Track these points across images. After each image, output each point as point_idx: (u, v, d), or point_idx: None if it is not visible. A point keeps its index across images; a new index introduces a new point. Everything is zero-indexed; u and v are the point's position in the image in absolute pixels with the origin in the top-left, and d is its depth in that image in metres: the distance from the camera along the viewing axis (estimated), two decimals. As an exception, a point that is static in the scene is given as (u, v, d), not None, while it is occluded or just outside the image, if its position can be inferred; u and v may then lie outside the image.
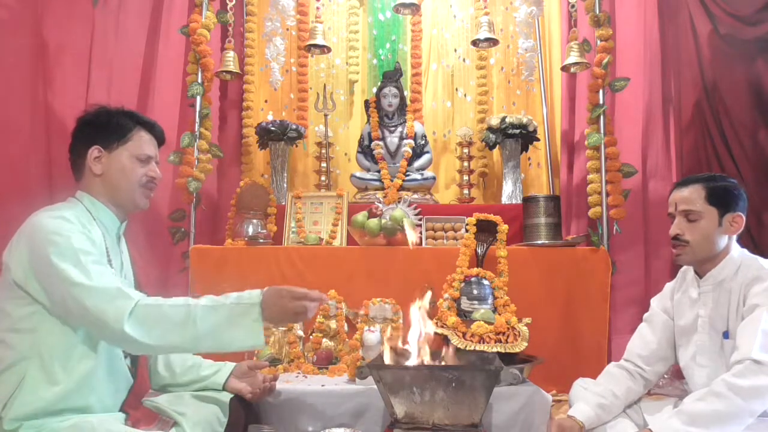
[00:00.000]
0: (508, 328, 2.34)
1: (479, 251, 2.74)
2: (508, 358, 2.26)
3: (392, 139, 3.37)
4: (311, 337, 2.59)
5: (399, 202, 3.05)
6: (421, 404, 1.69)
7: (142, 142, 1.69)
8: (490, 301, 2.53)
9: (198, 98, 3.05)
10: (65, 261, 1.45)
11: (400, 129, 3.40)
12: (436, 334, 2.35)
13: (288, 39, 3.61)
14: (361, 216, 2.83)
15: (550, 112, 3.63)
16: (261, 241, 2.81)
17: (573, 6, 3.26)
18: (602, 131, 2.97)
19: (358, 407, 2.08)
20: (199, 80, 3.07)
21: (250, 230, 2.97)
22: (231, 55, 3.28)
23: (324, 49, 3.39)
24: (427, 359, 1.88)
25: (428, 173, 3.34)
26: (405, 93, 3.50)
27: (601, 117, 2.98)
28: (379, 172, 3.30)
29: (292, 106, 3.73)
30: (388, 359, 1.84)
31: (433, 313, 2.56)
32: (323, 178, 3.47)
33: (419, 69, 3.78)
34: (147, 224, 2.86)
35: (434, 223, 3.02)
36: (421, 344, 1.88)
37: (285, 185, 3.36)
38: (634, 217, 3.10)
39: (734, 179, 1.87)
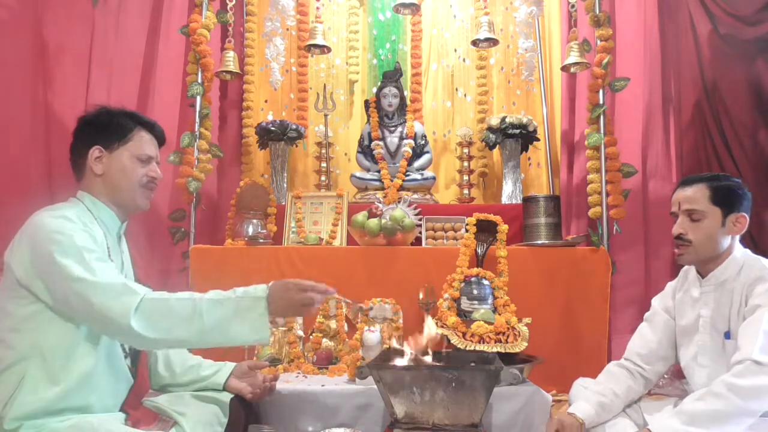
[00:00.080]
0: (508, 328, 2.34)
1: (479, 251, 2.75)
2: (508, 358, 2.26)
3: (392, 139, 3.37)
4: (311, 337, 2.59)
5: (399, 202, 3.05)
6: (421, 404, 1.69)
7: (142, 142, 1.69)
8: (490, 301, 2.53)
9: (198, 98, 3.05)
10: (68, 258, 1.46)
11: (400, 129, 3.40)
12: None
13: (288, 39, 3.62)
14: (361, 216, 2.83)
15: (550, 112, 3.63)
16: (261, 241, 2.81)
17: (573, 6, 3.26)
18: (602, 131, 2.98)
19: (358, 407, 2.08)
20: (199, 80, 3.07)
21: (250, 230, 2.97)
22: (231, 55, 3.28)
23: (324, 49, 3.39)
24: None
25: (428, 173, 3.34)
26: (405, 93, 3.50)
27: (601, 117, 2.98)
28: (379, 172, 3.30)
29: (292, 106, 3.73)
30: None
31: (433, 313, 2.57)
32: (323, 178, 3.47)
33: (419, 69, 3.78)
34: (147, 224, 2.86)
35: (434, 223, 3.02)
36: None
37: (285, 185, 3.36)
38: (634, 217, 3.10)
39: (738, 179, 1.86)
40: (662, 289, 2.02)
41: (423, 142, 3.41)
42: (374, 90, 3.54)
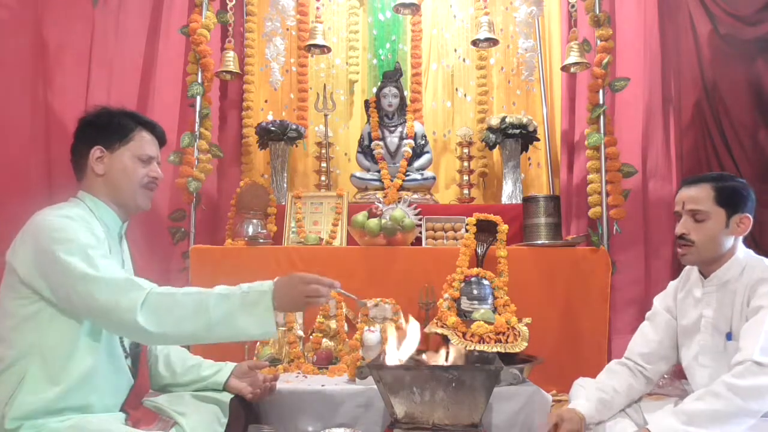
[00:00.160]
0: (508, 328, 2.34)
1: (479, 251, 2.75)
2: (508, 358, 2.26)
3: (392, 139, 3.37)
4: (311, 337, 2.59)
5: (399, 202, 3.05)
6: (421, 404, 1.69)
7: (143, 142, 1.70)
8: (490, 301, 2.53)
9: (198, 98, 3.05)
10: (73, 256, 1.46)
11: (400, 129, 3.40)
12: (436, 334, 2.36)
13: (288, 39, 3.61)
14: (361, 216, 2.83)
15: (550, 112, 3.63)
16: (261, 241, 2.81)
17: (573, 6, 3.26)
18: (602, 131, 2.97)
19: (358, 407, 2.08)
20: (199, 80, 3.07)
21: (250, 230, 2.97)
22: (231, 55, 3.28)
23: (324, 49, 3.39)
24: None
25: (428, 173, 3.34)
26: (405, 93, 3.50)
27: (601, 117, 2.98)
28: (379, 172, 3.30)
29: (292, 106, 3.73)
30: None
31: (432, 313, 2.57)
32: (323, 178, 3.47)
33: (419, 69, 3.78)
34: (147, 224, 2.86)
35: (434, 223, 3.02)
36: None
37: (285, 185, 3.36)
38: (634, 217, 3.10)
39: (743, 179, 1.84)
40: (662, 289, 2.02)
41: (423, 142, 3.41)
42: (374, 90, 3.54)
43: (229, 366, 1.87)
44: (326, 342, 2.59)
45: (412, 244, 2.89)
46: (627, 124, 3.21)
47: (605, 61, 2.96)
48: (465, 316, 2.45)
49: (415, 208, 3.04)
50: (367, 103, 3.52)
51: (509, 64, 3.76)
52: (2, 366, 1.48)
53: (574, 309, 2.74)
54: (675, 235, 1.82)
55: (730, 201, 1.76)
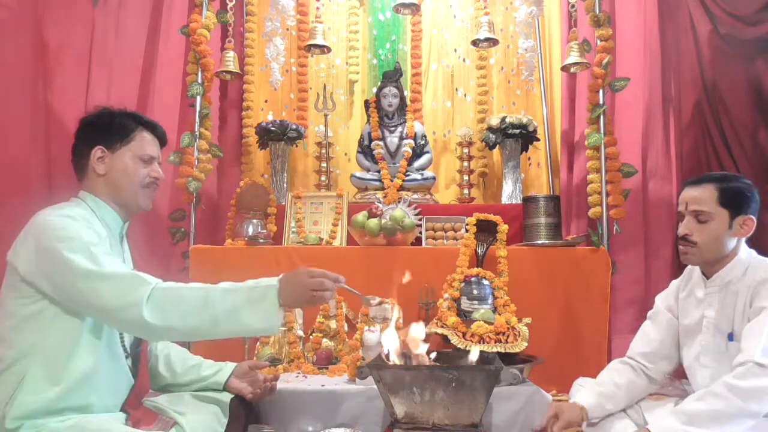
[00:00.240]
0: (508, 328, 2.34)
1: (479, 251, 2.75)
2: (508, 358, 2.26)
3: (392, 139, 3.37)
4: (311, 337, 2.59)
5: (399, 202, 3.05)
6: (421, 404, 1.69)
7: (144, 142, 1.70)
8: (490, 301, 2.53)
9: (198, 98, 3.05)
10: (76, 253, 1.46)
11: (400, 129, 3.40)
12: (436, 334, 2.36)
13: (288, 39, 3.61)
14: (361, 216, 2.83)
15: (550, 112, 3.63)
16: (261, 241, 2.81)
17: (573, 6, 3.26)
18: (602, 131, 2.97)
19: (358, 407, 2.08)
20: (199, 80, 3.07)
21: (250, 230, 2.97)
22: (231, 55, 3.28)
23: (324, 49, 3.39)
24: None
25: (428, 173, 3.34)
26: (405, 93, 3.50)
27: (601, 117, 2.98)
28: (379, 172, 3.30)
29: (292, 106, 3.73)
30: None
31: (432, 313, 2.57)
32: (323, 178, 3.47)
33: (419, 69, 3.78)
34: (147, 224, 2.86)
35: (434, 223, 3.02)
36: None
37: (285, 185, 3.36)
38: (634, 217, 3.10)
39: (748, 180, 1.82)
40: (662, 289, 2.01)
41: (423, 142, 3.41)
42: (374, 90, 3.54)
43: (229, 366, 1.87)
44: (326, 342, 2.59)
45: (412, 244, 2.89)
46: (627, 124, 3.21)
47: (605, 61, 2.96)
48: (465, 316, 2.45)
49: (415, 208, 3.04)
50: (367, 103, 3.52)
51: (509, 64, 3.76)
52: (2, 366, 1.48)
53: (574, 309, 2.74)
54: (677, 235, 1.81)
55: (733, 202, 1.74)
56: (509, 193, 3.34)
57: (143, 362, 1.73)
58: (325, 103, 3.43)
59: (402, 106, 3.43)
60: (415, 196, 3.22)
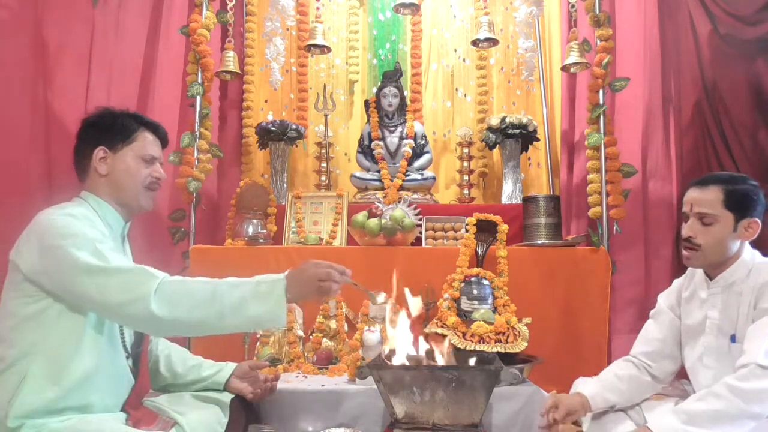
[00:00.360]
0: (508, 328, 2.34)
1: (479, 251, 2.75)
2: (508, 358, 2.26)
3: (392, 139, 3.37)
4: (311, 337, 2.59)
5: (399, 202, 3.05)
6: (421, 404, 1.69)
7: (146, 142, 1.70)
8: (490, 301, 2.53)
9: (198, 98, 3.05)
10: (82, 250, 1.46)
11: (400, 129, 3.40)
12: (436, 334, 2.36)
13: (288, 39, 3.62)
14: (361, 216, 2.83)
15: (550, 112, 3.64)
16: (261, 241, 2.81)
17: (573, 6, 3.26)
18: (602, 131, 2.98)
19: (358, 407, 2.08)
20: (199, 80, 3.07)
21: (250, 230, 2.97)
22: (231, 55, 3.28)
23: (324, 49, 3.39)
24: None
25: (428, 173, 3.34)
26: (405, 93, 3.50)
27: (601, 117, 2.98)
28: (379, 172, 3.30)
29: (292, 106, 3.73)
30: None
31: (432, 313, 2.57)
32: (323, 178, 3.47)
33: (419, 69, 3.78)
34: (147, 224, 2.86)
35: (434, 223, 3.02)
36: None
37: (285, 185, 3.36)
38: (634, 217, 3.10)
39: (755, 182, 1.79)
40: (662, 289, 2.01)
41: (423, 142, 3.41)
42: (374, 90, 3.54)
43: (229, 366, 1.87)
44: (326, 342, 2.59)
45: (412, 244, 2.89)
46: (627, 124, 3.21)
47: (605, 61, 2.96)
48: (465, 316, 2.45)
49: (415, 208, 3.04)
50: (367, 103, 3.52)
51: (509, 64, 3.76)
52: (3, 365, 1.48)
53: (574, 309, 2.74)
54: (682, 237, 1.79)
55: (739, 205, 1.72)
56: (509, 193, 3.34)
57: (144, 362, 1.73)
58: (325, 103, 3.43)
59: (402, 106, 3.44)
60: (415, 196, 3.22)
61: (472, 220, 2.80)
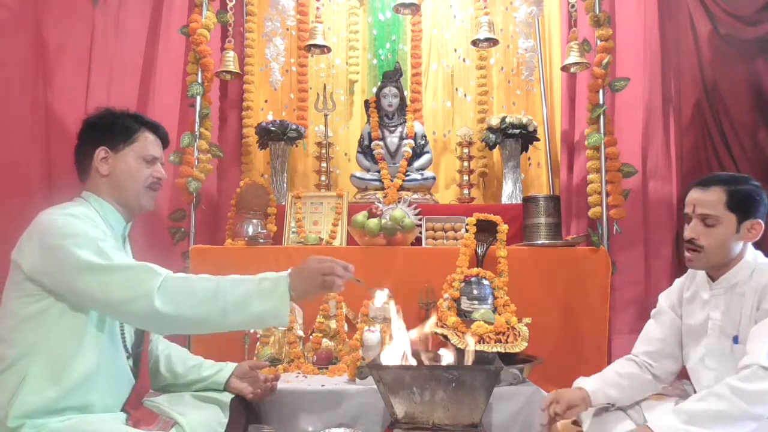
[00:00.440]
0: (508, 328, 2.34)
1: (479, 251, 2.75)
2: (508, 358, 2.26)
3: (392, 139, 3.37)
4: (311, 337, 2.59)
5: (399, 202, 3.05)
6: (421, 404, 1.69)
7: (147, 143, 1.71)
8: (490, 301, 2.53)
9: (198, 98, 3.05)
10: (84, 248, 1.46)
11: (400, 129, 3.40)
12: (435, 334, 2.36)
13: (288, 39, 3.62)
14: (361, 216, 2.83)
15: (550, 112, 3.63)
16: (261, 241, 2.81)
17: (573, 6, 3.26)
18: (602, 131, 2.98)
19: (358, 407, 2.08)
20: (199, 80, 3.07)
21: (250, 230, 2.97)
22: (231, 55, 3.28)
23: (324, 49, 3.39)
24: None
25: (428, 173, 3.34)
26: (405, 93, 3.50)
27: (601, 117, 2.98)
28: (379, 172, 3.30)
29: (292, 106, 3.73)
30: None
31: (433, 313, 2.57)
32: (323, 178, 3.47)
33: (419, 69, 3.78)
34: (147, 224, 2.85)
35: (434, 223, 3.02)
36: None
37: (285, 185, 3.36)
38: (634, 217, 3.10)
39: (757, 182, 1.78)
40: (662, 289, 2.00)
41: (423, 142, 3.41)
42: (374, 90, 3.54)
43: (230, 366, 1.87)
44: (326, 342, 2.59)
45: (412, 244, 2.89)
46: (627, 124, 3.21)
47: (605, 61, 2.96)
48: (465, 316, 2.45)
49: (415, 208, 3.04)
50: (367, 103, 3.52)
51: (509, 64, 3.76)
52: (4, 365, 1.48)
53: (574, 309, 2.74)
54: (684, 238, 1.77)
55: (742, 206, 1.70)
56: (509, 193, 3.34)
57: (144, 362, 1.73)
58: (325, 103, 3.43)
59: (402, 106, 3.43)
60: (415, 196, 3.22)
61: (472, 220, 2.80)
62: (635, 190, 3.09)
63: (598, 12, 3.01)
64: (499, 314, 2.44)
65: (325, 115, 3.45)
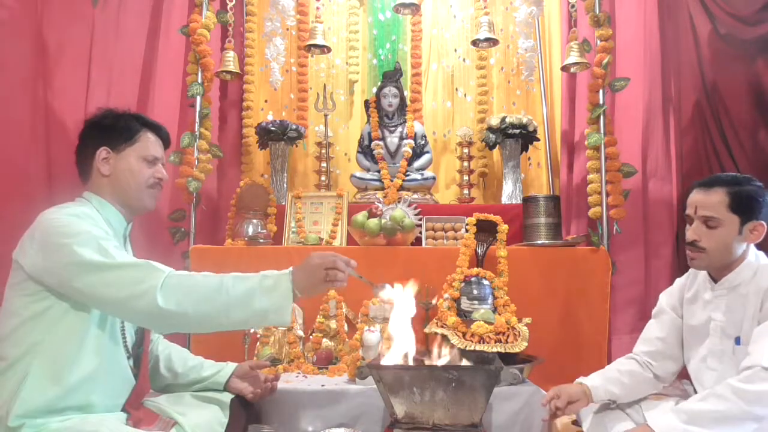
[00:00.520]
0: (508, 328, 2.34)
1: (479, 251, 2.75)
2: (508, 358, 2.26)
3: (392, 139, 3.37)
4: (311, 337, 2.59)
5: (399, 202, 3.05)
6: (421, 404, 1.69)
7: (148, 143, 1.71)
8: (490, 301, 2.53)
9: (198, 98, 3.05)
10: (86, 247, 1.47)
11: (400, 129, 3.40)
12: (435, 334, 2.36)
13: (288, 39, 3.62)
14: (361, 216, 2.83)
15: (550, 112, 3.63)
16: (261, 241, 2.81)
17: (573, 6, 3.26)
18: (602, 131, 2.98)
19: (358, 407, 2.08)
20: (199, 80, 3.07)
21: (250, 230, 2.97)
22: (231, 55, 3.28)
23: (324, 49, 3.39)
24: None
25: (428, 173, 3.34)
26: (405, 93, 3.50)
27: (601, 117, 2.98)
28: (379, 172, 3.30)
29: (292, 106, 3.73)
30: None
31: (432, 313, 2.57)
32: (323, 178, 3.47)
33: (419, 69, 3.78)
34: (147, 224, 2.86)
35: (434, 223, 3.02)
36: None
37: (285, 185, 3.36)
38: (634, 217, 3.10)
39: (760, 183, 1.76)
40: (662, 289, 2.00)
41: (423, 142, 3.41)
42: (374, 90, 3.54)
43: (230, 366, 1.87)
44: (326, 342, 2.59)
45: (412, 244, 2.89)
46: (627, 124, 3.21)
47: (605, 61, 2.96)
48: (465, 316, 2.45)
49: (415, 208, 3.04)
50: (367, 103, 3.52)
51: (509, 64, 3.76)
52: (5, 365, 1.48)
53: (574, 309, 2.74)
54: (686, 240, 1.76)
55: (744, 208, 1.69)
56: (509, 193, 3.34)
57: (144, 363, 1.73)
58: (325, 103, 3.43)
59: (402, 106, 3.43)
60: (415, 196, 3.22)
61: (472, 220, 2.80)
62: (635, 190, 3.09)
63: (598, 12, 3.01)
64: (499, 314, 2.44)
65: (325, 115, 3.45)
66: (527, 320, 2.40)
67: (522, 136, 3.35)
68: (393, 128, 3.40)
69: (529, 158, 3.64)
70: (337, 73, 3.78)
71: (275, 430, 1.74)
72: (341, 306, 2.64)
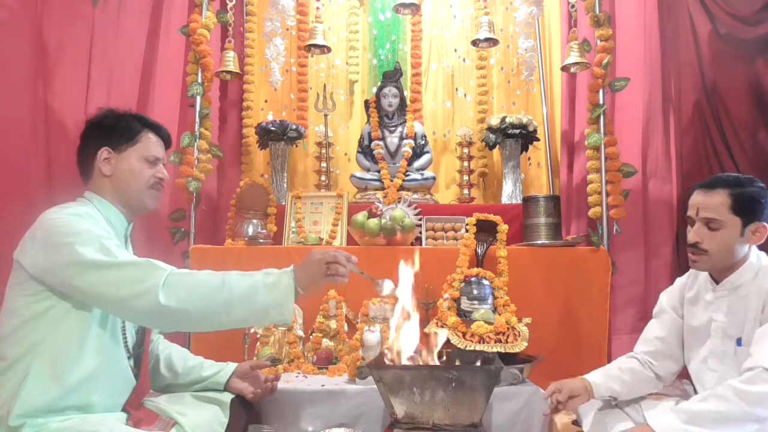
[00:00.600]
0: (508, 328, 2.34)
1: (479, 251, 2.75)
2: (508, 358, 2.26)
3: (392, 139, 3.37)
4: (311, 337, 2.59)
5: (399, 202, 3.05)
6: (421, 404, 1.69)
7: (149, 143, 1.71)
8: (490, 301, 2.53)
9: (198, 98, 3.05)
10: (88, 246, 1.47)
11: (400, 129, 3.40)
12: (436, 334, 2.36)
13: (288, 39, 3.62)
14: (361, 216, 2.83)
15: (550, 112, 3.63)
16: (261, 241, 2.81)
17: (573, 6, 3.26)
18: (602, 131, 2.98)
19: (358, 407, 2.08)
20: (199, 80, 3.07)
21: (250, 230, 2.97)
22: (231, 55, 3.28)
23: (324, 49, 3.39)
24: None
25: (428, 173, 3.34)
26: (405, 93, 3.50)
27: (601, 117, 2.98)
28: (379, 172, 3.30)
29: (292, 106, 3.73)
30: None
31: (432, 313, 2.57)
32: (323, 178, 3.47)
33: (419, 69, 3.78)
34: (147, 224, 2.86)
35: (434, 223, 3.02)
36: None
37: (285, 185, 3.36)
38: (634, 217, 3.10)
39: (762, 184, 1.75)
40: (662, 290, 2.00)
41: (423, 142, 3.41)
42: (374, 90, 3.54)
43: (230, 366, 1.87)
44: (326, 342, 2.59)
45: (412, 244, 2.89)
46: (627, 124, 3.21)
47: (605, 61, 2.96)
48: (465, 316, 2.45)
49: (415, 208, 3.04)
50: (367, 103, 3.52)
51: (509, 64, 3.76)
52: (5, 364, 1.48)
53: (574, 309, 2.74)
54: (688, 242, 1.76)
55: (746, 209, 1.68)
56: (509, 193, 3.34)
57: (145, 363, 1.73)
58: (325, 103, 3.43)
59: (402, 106, 3.44)
60: (415, 196, 3.22)
61: (472, 220, 2.80)
62: (635, 190, 3.09)
63: (598, 12, 3.01)
64: (499, 314, 2.44)
65: (325, 115, 3.45)
66: (527, 320, 2.40)
67: (522, 136, 3.35)
68: (393, 128, 3.40)
69: (529, 158, 3.64)
70: (337, 73, 3.78)
71: (275, 430, 1.74)
72: (341, 306, 2.64)
